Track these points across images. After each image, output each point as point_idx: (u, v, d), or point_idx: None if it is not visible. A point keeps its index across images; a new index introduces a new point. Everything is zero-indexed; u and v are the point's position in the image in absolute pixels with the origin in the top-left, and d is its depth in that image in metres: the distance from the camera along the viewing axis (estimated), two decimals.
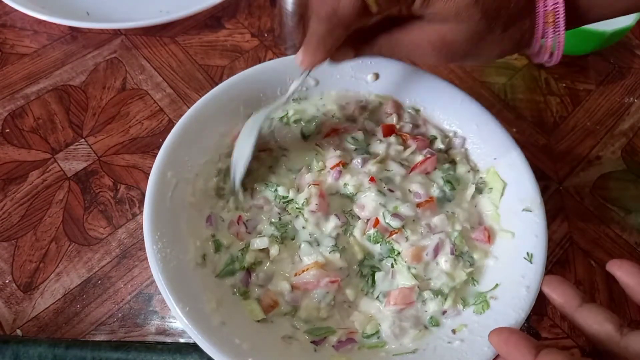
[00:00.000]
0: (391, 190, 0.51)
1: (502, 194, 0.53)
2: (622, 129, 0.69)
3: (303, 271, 0.48)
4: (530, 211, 0.50)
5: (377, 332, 0.48)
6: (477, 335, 0.45)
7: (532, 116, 0.70)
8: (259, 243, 0.50)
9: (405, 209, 0.50)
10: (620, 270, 0.41)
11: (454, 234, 0.50)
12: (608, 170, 0.66)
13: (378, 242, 0.50)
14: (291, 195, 0.52)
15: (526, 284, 0.46)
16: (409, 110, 0.58)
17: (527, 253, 0.48)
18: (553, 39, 0.42)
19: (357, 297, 0.49)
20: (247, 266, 0.49)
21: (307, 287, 0.48)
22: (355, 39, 0.45)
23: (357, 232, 0.51)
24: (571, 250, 0.60)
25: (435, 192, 0.53)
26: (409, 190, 0.52)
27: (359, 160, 0.53)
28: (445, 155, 0.56)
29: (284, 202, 0.52)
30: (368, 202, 0.51)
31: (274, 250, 0.49)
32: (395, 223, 0.49)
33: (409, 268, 0.49)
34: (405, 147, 0.55)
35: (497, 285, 0.48)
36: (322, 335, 0.47)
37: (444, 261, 0.49)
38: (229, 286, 0.49)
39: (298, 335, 0.47)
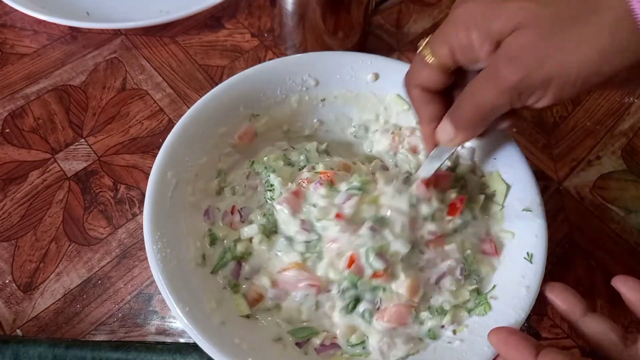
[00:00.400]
0: (374, 230, 0.46)
1: (505, 196, 0.52)
2: (622, 129, 0.69)
3: (284, 270, 0.48)
4: (530, 211, 0.50)
5: (363, 342, 0.47)
6: (477, 335, 0.45)
7: (532, 116, 0.70)
8: (247, 231, 0.50)
9: (399, 246, 0.46)
10: (625, 286, 0.41)
11: (467, 252, 0.49)
12: (608, 170, 0.66)
13: (354, 285, 0.47)
14: (275, 184, 0.51)
15: (526, 284, 0.46)
16: None
17: (527, 253, 0.48)
18: None
19: (339, 316, 0.48)
20: (238, 256, 0.49)
21: (287, 287, 0.48)
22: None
23: (323, 265, 0.47)
24: (571, 250, 0.60)
25: (453, 224, 0.50)
26: (422, 235, 0.48)
27: (344, 197, 0.47)
28: (454, 173, 0.54)
29: (267, 189, 0.52)
30: (336, 236, 0.46)
31: (256, 239, 0.49)
32: (378, 265, 0.45)
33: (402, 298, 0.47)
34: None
35: (494, 286, 0.48)
36: (305, 337, 0.47)
37: (449, 282, 0.48)
38: (222, 278, 0.49)
39: (283, 336, 0.47)
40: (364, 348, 0.47)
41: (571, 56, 0.33)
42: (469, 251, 0.50)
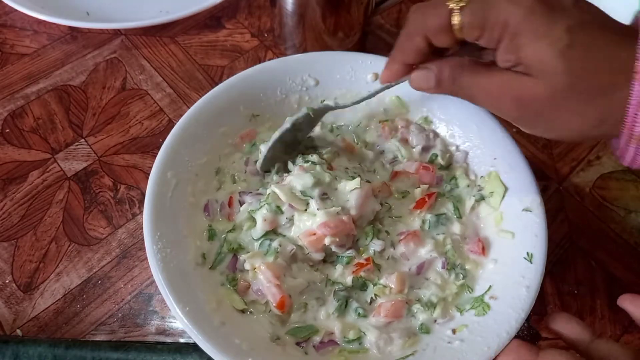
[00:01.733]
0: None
1: (502, 198, 0.52)
2: None
3: (255, 268, 0.48)
4: (530, 211, 0.50)
5: (359, 338, 0.47)
6: (477, 335, 0.45)
7: None
8: (239, 216, 0.51)
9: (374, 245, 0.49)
10: (632, 305, 0.42)
11: (447, 247, 0.50)
12: (608, 170, 0.66)
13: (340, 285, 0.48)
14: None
15: (526, 284, 0.46)
16: (420, 123, 0.58)
17: (527, 253, 0.48)
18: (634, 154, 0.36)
19: (333, 317, 0.48)
20: (234, 248, 0.50)
21: (260, 290, 0.47)
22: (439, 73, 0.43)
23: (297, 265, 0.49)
24: (571, 250, 0.60)
25: (422, 224, 0.52)
26: (387, 231, 0.51)
27: (315, 195, 0.48)
28: (447, 171, 0.56)
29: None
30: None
31: (245, 226, 0.50)
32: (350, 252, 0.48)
33: (393, 292, 0.48)
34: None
35: (490, 287, 0.48)
36: (305, 337, 0.47)
37: (434, 275, 0.49)
38: (220, 274, 0.49)
39: (281, 335, 0.47)
40: (360, 344, 0.47)
41: (564, 124, 0.38)
42: (449, 246, 0.50)
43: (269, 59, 0.72)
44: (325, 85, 0.58)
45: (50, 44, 0.73)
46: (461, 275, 0.50)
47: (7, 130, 0.66)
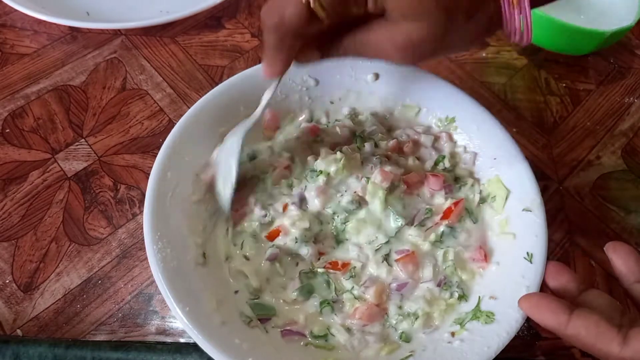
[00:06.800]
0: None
1: (505, 201, 0.52)
2: (622, 129, 0.69)
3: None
4: (530, 211, 0.50)
5: (326, 335, 0.47)
6: (477, 335, 0.45)
7: (532, 116, 0.70)
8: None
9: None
10: (615, 254, 0.43)
11: (448, 263, 0.49)
12: (608, 170, 0.66)
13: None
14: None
15: (526, 284, 0.46)
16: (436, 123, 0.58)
17: (527, 253, 0.48)
18: (520, 20, 0.38)
19: (294, 295, 0.48)
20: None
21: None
22: (321, 40, 0.43)
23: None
24: (571, 250, 0.60)
25: (425, 245, 0.50)
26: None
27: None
28: (450, 173, 0.55)
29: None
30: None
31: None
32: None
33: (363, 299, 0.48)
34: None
35: (480, 298, 0.48)
36: (264, 315, 0.47)
37: (423, 290, 0.48)
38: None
39: (246, 309, 0.47)
40: (326, 341, 0.47)
41: (458, 46, 0.41)
42: (450, 262, 0.49)
43: None
44: (325, 85, 0.58)
45: (50, 44, 0.73)
46: (456, 294, 0.49)
47: (7, 130, 0.66)
